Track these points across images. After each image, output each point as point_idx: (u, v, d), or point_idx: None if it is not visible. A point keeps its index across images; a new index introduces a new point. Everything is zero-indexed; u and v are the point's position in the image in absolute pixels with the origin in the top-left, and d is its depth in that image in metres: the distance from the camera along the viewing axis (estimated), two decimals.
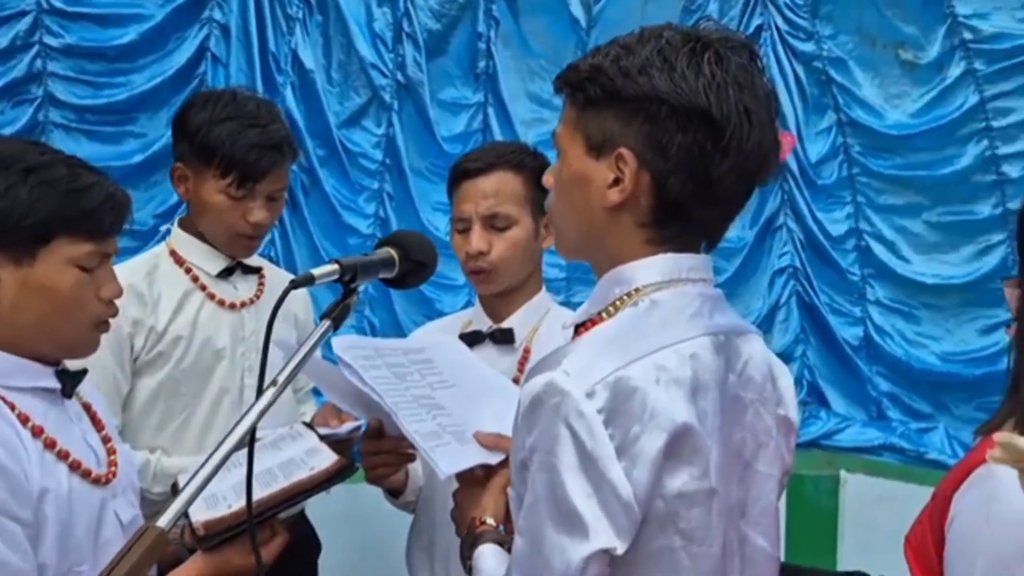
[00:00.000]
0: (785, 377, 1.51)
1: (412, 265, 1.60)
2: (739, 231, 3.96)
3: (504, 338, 2.22)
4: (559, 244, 1.49)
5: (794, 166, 3.98)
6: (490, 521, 1.58)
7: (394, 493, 2.13)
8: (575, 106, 1.40)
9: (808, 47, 4.00)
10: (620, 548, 1.27)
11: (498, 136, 3.79)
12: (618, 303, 1.38)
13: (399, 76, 3.95)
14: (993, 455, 0.70)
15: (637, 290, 1.37)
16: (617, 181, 1.35)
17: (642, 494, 1.27)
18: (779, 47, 4.01)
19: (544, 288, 2.27)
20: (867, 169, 3.98)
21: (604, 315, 1.38)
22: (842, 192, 4.01)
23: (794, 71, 4.02)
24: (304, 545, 2.52)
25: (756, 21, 4.00)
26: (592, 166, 1.38)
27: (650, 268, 1.37)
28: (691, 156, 1.33)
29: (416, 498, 2.18)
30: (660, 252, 1.37)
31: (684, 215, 1.36)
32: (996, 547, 1.40)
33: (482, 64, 3.97)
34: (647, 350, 1.31)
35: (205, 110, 2.31)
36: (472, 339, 2.19)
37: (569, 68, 1.41)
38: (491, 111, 3.95)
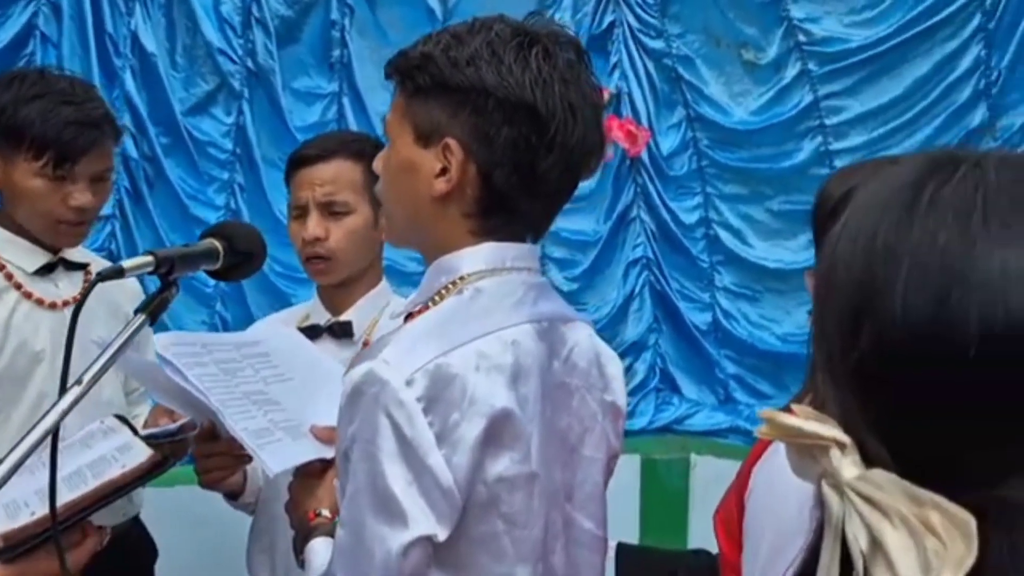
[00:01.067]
0: (613, 364, 1.43)
1: (238, 257, 1.42)
2: (594, 224, 3.72)
3: (343, 331, 1.98)
4: (388, 231, 1.39)
5: (647, 159, 3.74)
6: (325, 513, 1.41)
7: (232, 495, 1.91)
8: (404, 93, 1.30)
9: (658, 44, 3.73)
10: (442, 535, 1.19)
11: (353, 127, 3.39)
12: (443, 292, 1.29)
13: (249, 63, 3.43)
14: (760, 431, 0.59)
15: (462, 278, 1.28)
16: (444, 171, 1.26)
17: (463, 480, 1.19)
18: (631, 44, 3.71)
19: (384, 279, 2.04)
20: (715, 162, 3.75)
21: (430, 304, 1.29)
22: (692, 183, 3.78)
23: (645, 67, 3.73)
24: (138, 550, 2.22)
25: (608, 18, 3.69)
26: (420, 155, 1.28)
27: (475, 257, 1.29)
28: (516, 149, 1.25)
29: (256, 499, 1.95)
30: (485, 242, 1.28)
31: (509, 207, 1.28)
32: (779, 521, 1.27)
33: (336, 53, 3.50)
34: (468, 337, 1.22)
35: (10, 89, 1.94)
36: (310, 333, 1.94)
37: (400, 55, 1.31)
38: (346, 101, 3.49)
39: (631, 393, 3.48)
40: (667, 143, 3.76)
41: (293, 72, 3.48)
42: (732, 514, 1.49)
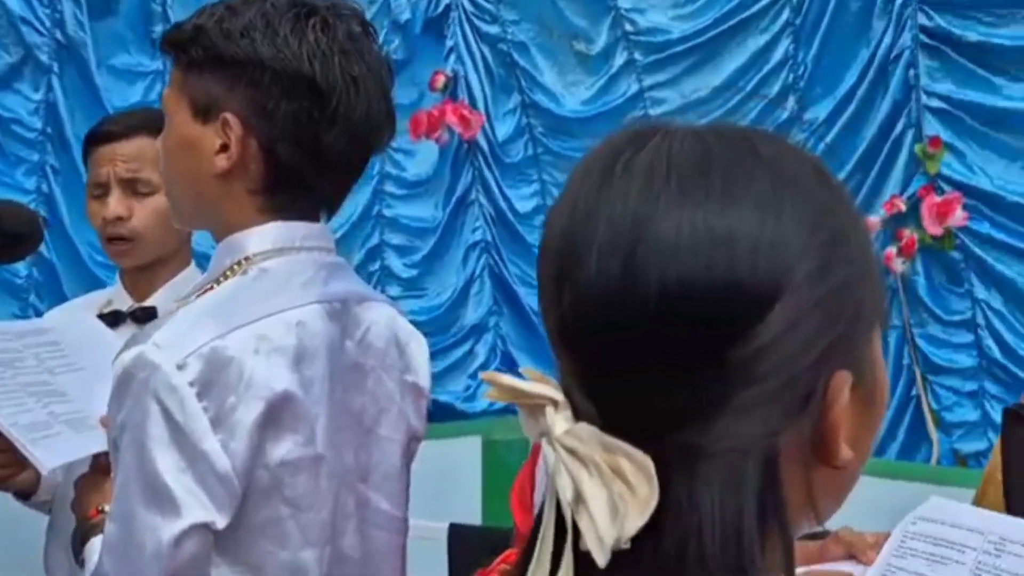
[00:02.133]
0: (416, 344, 1.27)
1: (6, 239, 1.23)
2: (433, 210, 3.32)
3: (146, 317, 1.64)
4: (174, 213, 1.22)
5: (484, 144, 3.36)
6: (108, 509, 1.19)
7: (23, 495, 1.61)
8: (180, 68, 1.14)
9: (493, 29, 3.33)
10: (220, 522, 1.05)
11: None
12: (229, 272, 1.13)
13: (58, 35, 2.82)
14: (486, 393, 0.56)
15: (248, 259, 1.13)
16: (224, 147, 1.11)
17: (241, 465, 1.06)
18: (467, 27, 3.30)
19: (193, 263, 1.72)
20: (549, 149, 3.41)
21: (214, 285, 1.13)
22: (529, 170, 3.41)
23: (481, 52, 3.32)
24: None
25: (445, 0, 3.28)
26: (199, 131, 1.12)
27: (262, 236, 1.13)
28: (298, 123, 1.11)
29: (52, 497, 1.64)
30: (273, 220, 1.14)
31: (297, 183, 1.14)
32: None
33: (158, 28, 2.91)
34: (248, 319, 1.09)
35: None
36: (112, 320, 1.65)
37: (173, 28, 1.15)
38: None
39: (472, 376, 3.22)
40: (503, 129, 3.42)
41: (110, 47, 2.91)
42: (525, 486, 1.39)
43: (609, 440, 0.52)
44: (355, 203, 3.33)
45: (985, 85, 3.11)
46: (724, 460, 0.51)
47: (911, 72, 3.17)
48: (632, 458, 0.51)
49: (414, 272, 3.24)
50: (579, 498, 0.51)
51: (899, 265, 3.20)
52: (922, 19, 3.12)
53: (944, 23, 3.12)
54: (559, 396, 0.55)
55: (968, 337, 3.22)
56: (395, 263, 3.22)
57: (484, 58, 3.32)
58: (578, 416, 0.54)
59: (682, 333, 0.51)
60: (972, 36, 3.08)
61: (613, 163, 0.55)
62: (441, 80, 3.28)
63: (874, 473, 3.17)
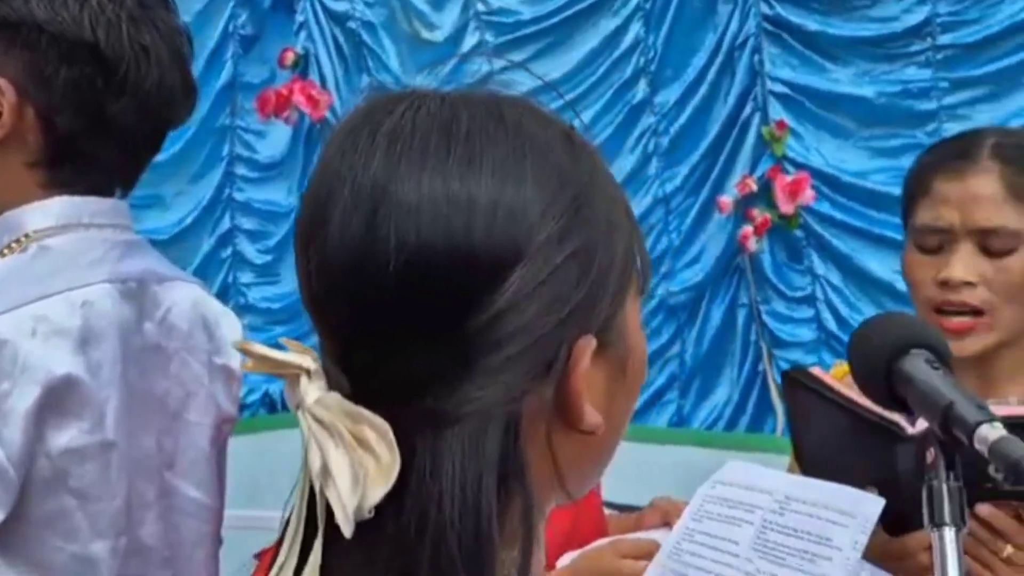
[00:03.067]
0: (227, 325, 1.21)
1: None
2: (286, 195, 3.22)
3: None
4: None
5: (335, 125, 2.84)
6: None
7: None
8: None
9: (342, 7, 3.27)
10: None
11: None
12: (6, 251, 1.07)
13: None
14: (244, 364, 0.57)
15: (28, 236, 1.06)
16: None
17: (17, 455, 1.00)
18: (316, 5, 3.23)
19: None
20: None
21: None
22: None
23: (331, 30, 3.25)
24: None
25: None
26: None
27: (44, 212, 1.07)
28: (80, 92, 1.05)
29: None
30: (59, 195, 1.08)
31: (81, 156, 1.08)
32: None
33: None
34: (25, 300, 1.03)
35: None
36: None
37: None
38: None
39: None
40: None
41: None
42: None
43: (353, 408, 0.52)
44: (205, 187, 3.19)
45: (820, 71, 3.31)
46: (466, 426, 0.51)
47: (756, 58, 3.31)
48: (374, 425, 0.51)
49: (268, 258, 3.14)
50: (326, 469, 0.51)
51: (754, 244, 3.37)
52: (764, 7, 3.26)
53: (784, 12, 3.27)
54: (313, 365, 0.54)
55: (809, 312, 3.41)
56: (248, 249, 3.12)
57: (334, 36, 3.24)
58: (332, 385, 0.54)
59: (423, 297, 0.52)
60: (811, 25, 3.26)
61: (361, 128, 0.55)
62: (290, 57, 3.18)
63: (724, 446, 3.32)
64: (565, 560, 1.10)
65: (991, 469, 0.98)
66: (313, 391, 0.53)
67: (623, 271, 0.56)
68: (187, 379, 1.17)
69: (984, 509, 0.99)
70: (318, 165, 0.56)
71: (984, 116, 2.92)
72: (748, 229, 3.31)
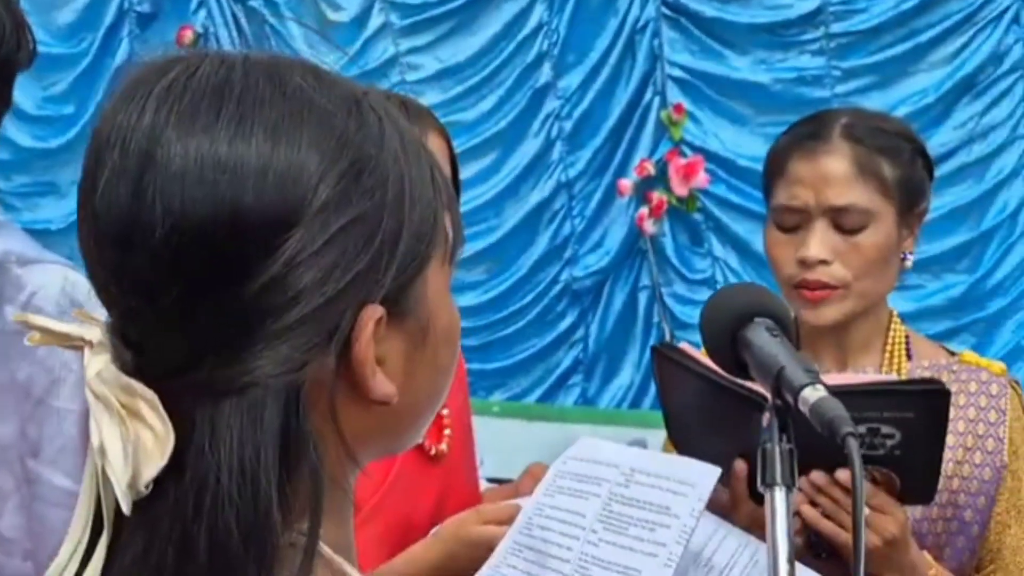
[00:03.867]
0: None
1: None
2: None
3: None
4: None
5: None
6: None
7: None
8: None
9: None
10: None
11: None
12: None
13: None
14: (30, 339, 0.57)
15: None
16: None
17: None
18: None
19: None
20: None
21: None
22: None
23: (232, 9, 3.21)
24: None
25: None
26: None
27: None
28: None
29: None
30: None
31: None
32: None
33: None
34: None
35: None
36: None
37: None
38: None
39: None
40: None
41: None
42: None
43: (127, 381, 0.51)
44: None
45: (718, 57, 3.39)
46: (244, 398, 0.50)
47: (656, 42, 3.38)
48: (145, 397, 0.50)
49: None
50: (102, 445, 0.50)
51: (650, 226, 3.43)
52: None
53: None
54: (97, 337, 0.53)
55: (709, 294, 3.48)
56: None
57: (234, 15, 3.19)
58: (115, 359, 0.53)
59: (193, 265, 0.50)
60: (708, 11, 3.33)
61: (134, 90, 0.53)
62: (189, 36, 3.10)
63: (635, 423, 3.39)
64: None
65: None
66: (95, 364, 0.52)
67: (420, 240, 0.55)
68: (54, 365, 1.13)
69: (843, 474, 1.03)
70: (92, 131, 0.54)
71: (874, 103, 3.01)
72: (644, 211, 3.39)
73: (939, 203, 3.19)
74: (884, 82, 3.18)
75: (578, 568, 0.95)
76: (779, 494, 0.68)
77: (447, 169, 1.15)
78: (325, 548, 0.52)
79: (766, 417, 0.73)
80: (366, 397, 0.53)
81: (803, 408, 0.69)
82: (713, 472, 0.94)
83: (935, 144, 3.12)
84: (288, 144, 0.51)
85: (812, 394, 0.68)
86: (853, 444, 0.63)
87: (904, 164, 1.16)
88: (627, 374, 3.61)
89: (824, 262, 1.14)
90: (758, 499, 1.04)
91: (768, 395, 0.74)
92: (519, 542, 1.00)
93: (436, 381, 0.58)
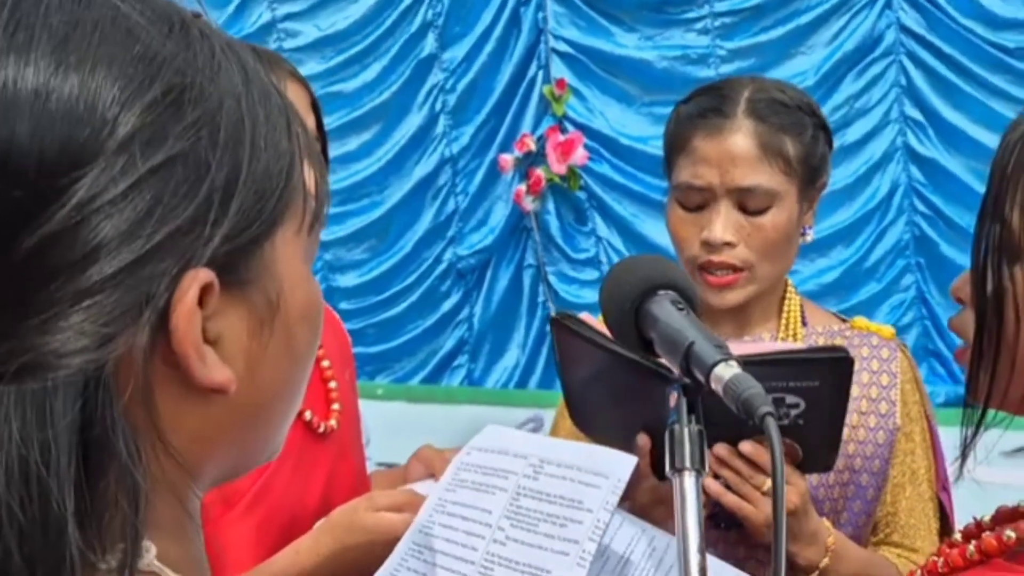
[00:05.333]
0: None
1: None
2: None
3: None
4: None
5: None
6: None
7: None
8: None
9: None
10: None
11: None
12: None
13: None
14: None
15: None
16: None
17: None
18: None
19: None
20: None
21: None
22: None
23: None
24: None
25: None
26: None
27: None
28: None
29: None
30: None
31: None
32: None
33: None
34: None
35: None
36: None
37: None
38: None
39: None
40: None
41: None
42: None
43: None
44: None
45: (605, 33, 3.38)
46: (25, 382, 0.41)
47: (540, 15, 3.34)
48: None
49: None
50: None
51: (529, 203, 3.39)
52: None
53: None
54: None
55: (594, 274, 3.49)
56: None
57: None
58: None
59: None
60: None
61: None
62: None
63: (522, 403, 3.36)
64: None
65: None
66: None
67: (265, 196, 0.47)
68: None
69: (746, 446, 1.02)
70: None
71: None
72: (522, 188, 3.36)
73: None
74: (767, 63, 3.22)
75: (482, 569, 0.87)
76: (689, 479, 0.64)
77: (311, 121, 1.06)
78: (165, 570, 0.44)
79: (673, 397, 0.69)
80: (197, 385, 0.44)
81: (716, 386, 0.65)
82: (629, 461, 0.89)
83: None
84: (79, 62, 0.42)
85: (725, 371, 0.65)
86: (772, 424, 0.59)
87: (807, 141, 1.15)
88: (513, 354, 3.58)
89: (729, 244, 1.13)
90: (660, 474, 1.02)
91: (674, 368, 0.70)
92: (418, 542, 0.93)
93: (291, 370, 0.50)
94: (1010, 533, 0.62)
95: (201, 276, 0.44)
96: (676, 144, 1.17)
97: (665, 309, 0.72)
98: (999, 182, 0.66)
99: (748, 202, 1.12)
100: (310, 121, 1.05)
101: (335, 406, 1.11)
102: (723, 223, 1.12)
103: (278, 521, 1.02)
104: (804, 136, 1.15)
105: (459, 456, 0.98)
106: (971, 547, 0.64)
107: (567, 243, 3.48)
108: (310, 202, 0.50)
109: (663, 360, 0.74)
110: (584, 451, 0.92)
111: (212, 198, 0.44)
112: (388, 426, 2.53)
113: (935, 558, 0.66)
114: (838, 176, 3.25)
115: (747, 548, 1.09)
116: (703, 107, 1.16)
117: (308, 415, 1.08)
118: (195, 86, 0.45)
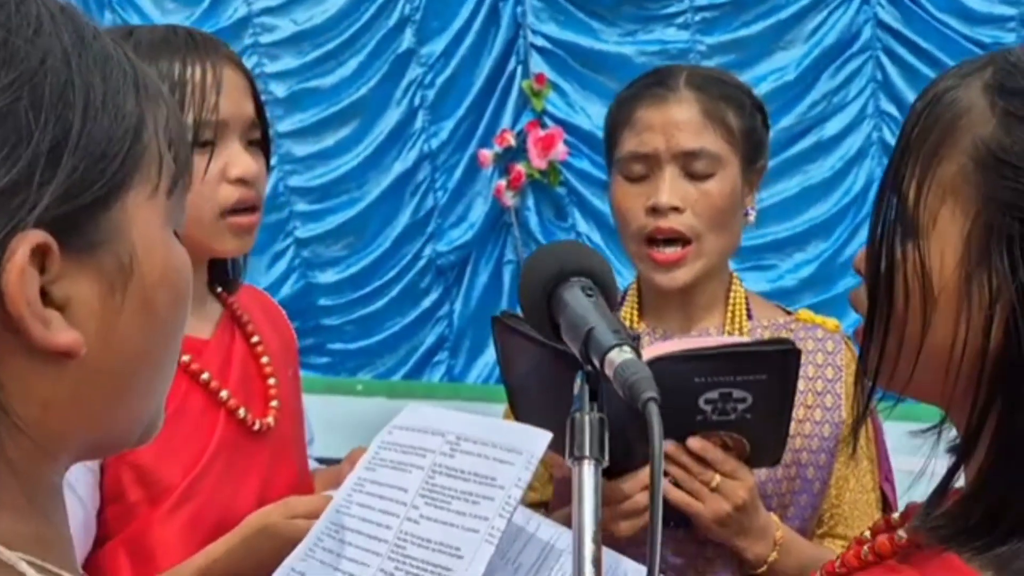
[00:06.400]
0: None
1: None
2: None
3: None
4: None
5: None
6: None
7: None
8: None
9: None
10: None
11: None
12: None
13: None
14: None
15: None
16: None
17: None
18: None
19: None
20: None
21: None
22: None
23: None
24: None
25: None
26: None
27: None
28: None
29: None
30: None
31: None
32: None
33: None
34: None
35: None
36: None
37: None
38: None
39: None
40: None
41: None
42: None
43: None
44: None
45: (585, 28, 3.37)
46: None
47: (519, 9, 3.33)
48: None
49: None
50: None
51: (509, 199, 3.40)
52: None
53: None
54: None
55: None
56: None
57: None
58: None
59: None
60: None
61: None
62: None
63: (503, 400, 3.35)
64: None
65: (701, 402, 1.00)
66: None
67: (106, 159, 0.46)
68: None
69: (694, 442, 1.02)
70: None
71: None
72: (502, 183, 3.35)
73: (793, 182, 3.29)
74: (746, 59, 3.22)
75: (394, 548, 0.87)
76: (587, 468, 0.63)
77: (249, 107, 1.04)
78: None
79: (577, 384, 0.69)
80: (41, 349, 0.44)
81: (608, 372, 0.65)
82: (543, 437, 0.88)
83: (793, 120, 3.21)
84: None
85: (618, 356, 0.64)
86: (653, 410, 0.58)
87: (746, 116, 1.17)
88: (493, 350, 3.56)
89: (676, 209, 1.13)
90: (605, 473, 1.02)
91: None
92: (335, 522, 0.92)
93: (153, 336, 0.49)
94: (901, 534, 0.61)
95: (31, 237, 0.43)
96: (619, 121, 1.18)
97: (574, 295, 0.72)
98: (901, 153, 0.64)
99: (694, 167, 1.13)
100: (247, 107, 1.04)
101: (273, 403, 1.09)
102: (669, 188, 1.12)
103: (208, 521, 1.01)
104: (744, 111, 1.16)
105: (380, 435, 0.98)
106: (865, 548, 0.63)
107: (547, 238, 3.47)
108: (168, 165, 0.49)
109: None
110: (501, 428, 0.93)
111: (38, 159, 0.43)
112: (368, 422, 2.53)
113: (835, 559, 0.66)
114: (815, 171, 3.26)
115: (696, 545, 1.10)
116: (645, 84, 1.18)
117: (242, 412, 1.06)
118: (8, 45, 0.44)
